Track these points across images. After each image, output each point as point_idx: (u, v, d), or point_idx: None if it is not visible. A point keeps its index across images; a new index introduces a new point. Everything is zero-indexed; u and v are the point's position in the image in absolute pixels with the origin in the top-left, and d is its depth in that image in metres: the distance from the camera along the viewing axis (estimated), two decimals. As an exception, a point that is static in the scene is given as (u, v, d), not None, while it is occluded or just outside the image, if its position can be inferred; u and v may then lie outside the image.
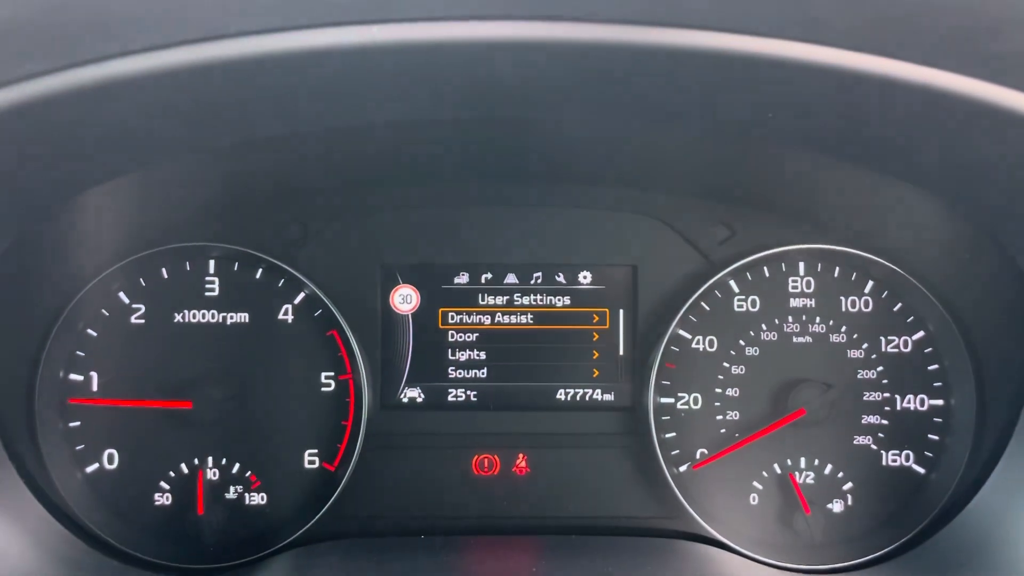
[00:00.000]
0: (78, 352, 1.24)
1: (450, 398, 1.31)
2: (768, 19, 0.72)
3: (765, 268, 1.29)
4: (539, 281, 1.31)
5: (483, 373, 1.31)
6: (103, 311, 1.25)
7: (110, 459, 1.24)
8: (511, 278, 1.31)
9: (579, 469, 1.29)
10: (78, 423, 1.23)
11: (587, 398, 1.31)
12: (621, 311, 1.31)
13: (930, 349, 1.27)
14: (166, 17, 0.69)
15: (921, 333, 1.27)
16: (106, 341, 1.25)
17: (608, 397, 1.31)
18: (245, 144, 0.98)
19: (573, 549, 1.19)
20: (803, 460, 1.27)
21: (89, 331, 1.24)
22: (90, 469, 1.24)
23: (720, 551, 1.23)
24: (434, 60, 0.77)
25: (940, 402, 1.26)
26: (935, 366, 1.27)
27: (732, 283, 1.28)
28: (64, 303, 1.22)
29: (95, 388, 1.24)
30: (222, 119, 0.86)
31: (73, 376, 1.24)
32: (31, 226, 1.01)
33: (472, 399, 1.30)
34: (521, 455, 1.29)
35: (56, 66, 0.71)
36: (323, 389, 1.27)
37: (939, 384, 1.26)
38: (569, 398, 1.31)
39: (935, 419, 1.26)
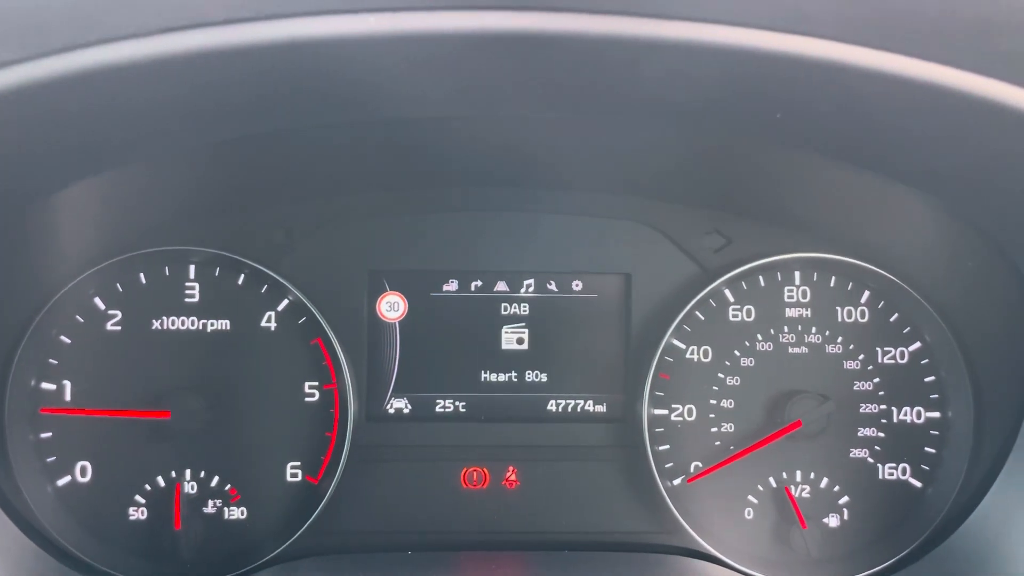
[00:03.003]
0: (51, 360, 1.20)
1: (438, 409, 1.27)
2: (761, 11, 0.70)
3: (760, 277, 1.27)
4: (530, 289, 1.28)
5: (472, 383, 1.27)
6: (77, 317, 1.21)
7: (83, 472, 1.20)
8: (501, 286, 1.28)
9: (570, 482, 1.26)
10: (49, 434, 1.19)
11: (579, 409, 1.28)
12: (614, 320, 1.28)
13: (927, 360, 1.25)
14: (143, 3, 0.65)
15: (918, 344, 1.26)
16: (80, 349, 1.20)
17: (600, 408, 1.28)
18: (228, 142, 0.95)
19: (564, 565, 1.17)
20: (799, 473, 1.25)
21: (62, 338, 1.20)
22: (62, 482, 1.19)
23: (715, 567, 1.20)
24: (417, 53, 0.74)
25: (937, 415, 1.25)
26: (932, 378, 1.25)
27: (727, 292, 1.26)
28: (36, 309, 1.18)
29: (68, 397, 1.20)
30: (204, 113, 0.83)
31: (45, 385, 1.19)
32: (1, 227, 0.97)
33: (461, 410, 1.27)
34: (511, 468, 1.26)
35: (26, 55, 0.67)
36: (307, 399, 1.23)
37: (936, 396, 1.25)
38: (560, 409, 1.28)
39: (932, 432, 1.25)
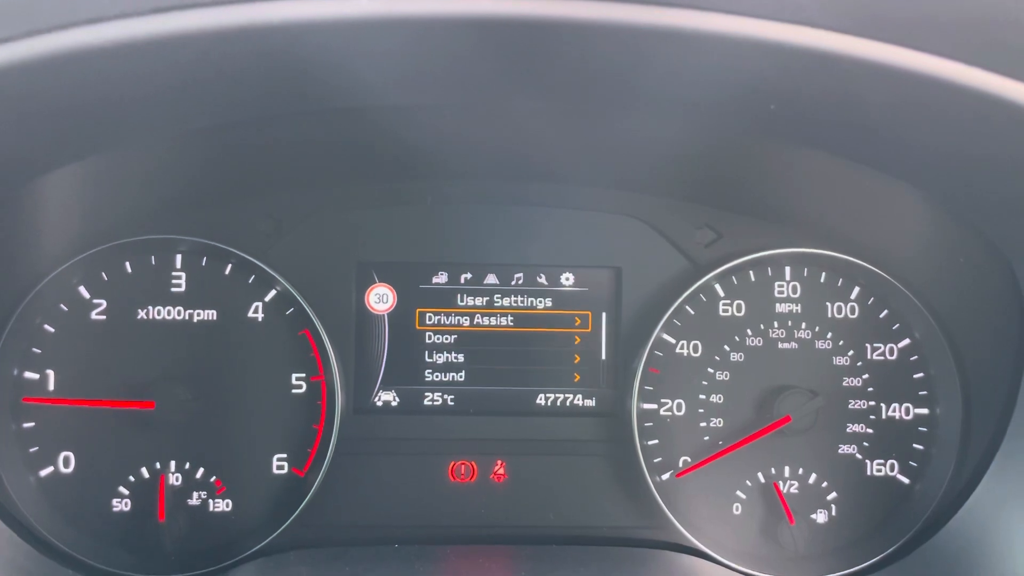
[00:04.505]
0: (34, 349, 1.18)
1: (426, 402, 1.26)
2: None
3: (751, 272, 1.27)
4: (520, 282, 1.27)
5: (461, 376, 1.27)
6: (62, 306, 1.19)
7: (66, 462, 1.19)
8: (491, 278, 1.27)
9: (559, 476, 1.25)
10: (32, 424, 1.18)
11: (568, 403, 1.27)
12: (604, 314, 1.28)
13: (916, 357, 1.25)
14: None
15: (907, 341, 1.26)
16: (64, 338, 1.19)
17: (589, 403, 1.27)
18: (216, 129, 0.93)
19: (552, 559, 1.16)
20: (787, 469, 1.25)
21: (46, 327, 1.19)
22: (44, 473, 1.18)
23: (702, 562, 1.20)
24: (411, 38, 0.72)
25: (925, 411, 1.25)
26: (921, 374, 1.25)
27: (717, 287, 1.26)
28: (20, 297, 1.17)
29: (51, 387, 1.18)
30: (193, 97, 0.82)
31: (28, 374, 1.18)
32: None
33: (449, 403, 1.26)
34: (499, 462, 1.25)
35: (11, 34, 0.66)
36: (294, 391, 1.22)
37: (924, 393, 1.25)
38: (549, 403, 1.27)
39: (920, 428, 1.25)
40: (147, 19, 0.64)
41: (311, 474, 1.21)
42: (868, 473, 1.25)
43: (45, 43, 0.67)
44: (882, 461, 1.25)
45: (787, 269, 1.27)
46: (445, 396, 1.27)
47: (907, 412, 1.25)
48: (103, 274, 1.20)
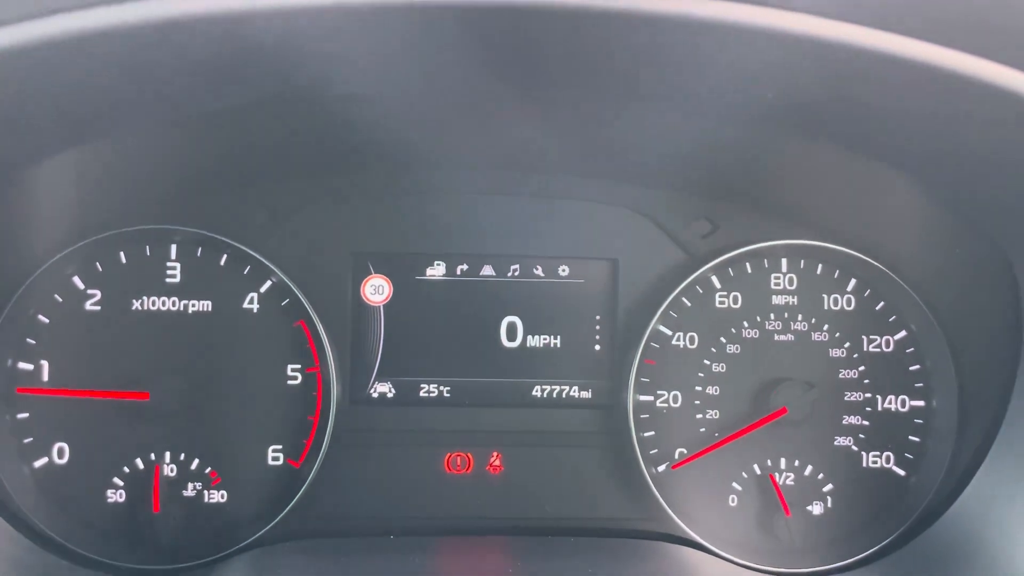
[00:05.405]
0: (28, 339, 1.18)
1: (422, 393, 1.26)
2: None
3: (747, 264, 1.26)
4: (516, 273, 1.27)
5: (457, 368, 1.26)
6: (56, 296, 1.19)
7: (60, 453, 1.18)
8: (487, 270, 1.27)
9: (555, 468, 1.25)
10: (26, 414, 1.17)
11: (564, 395, 1.27)
12: (600, 306, 1.27)
13: (912, 349, 1.25)
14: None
15: (903, 333, 1.26)
16: (58, 328, 1.18)
17: (586, 394, 1.27)
18: (209, 118, 0.93)
19: (548, 550, 1.16)
20: (783, 461, 1.25)
21: (40, 317, 1.18)
22: (38, 463, 1.17)
23: (698, 553, 1.20)
24: (407, 26, 0.72)
25: (921, 403, 1.25)
26: (917, 366, 1.25)
27: (714, 279, 1.26)
28: (14, 287, 1.16)
29: (45, 377, 1.18)
30: (186, 82, 0.81)
31: (22, 364, 1.17)
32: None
33: (445, 395, 1.26)
34: (495, 453, 1.25)
35: (3, 19, 0.65)
36: (289, 382, 1.22)
37: (920, 385, 1.25)
38: (545, 395, 1.27)
39: (916, 420, 1.25)
40: (134, 5, 0.64)
41: (306, 465, 1.21)
42: (864, 465, 1.25)
43: (33, 28, 0.66)
44: (878, 453, 1.25)
45: (783, 261, 1.27)
46: (441, 388, 1.26)
47: (903, 404, 1.25)
48: (98, 264, 1.20)
